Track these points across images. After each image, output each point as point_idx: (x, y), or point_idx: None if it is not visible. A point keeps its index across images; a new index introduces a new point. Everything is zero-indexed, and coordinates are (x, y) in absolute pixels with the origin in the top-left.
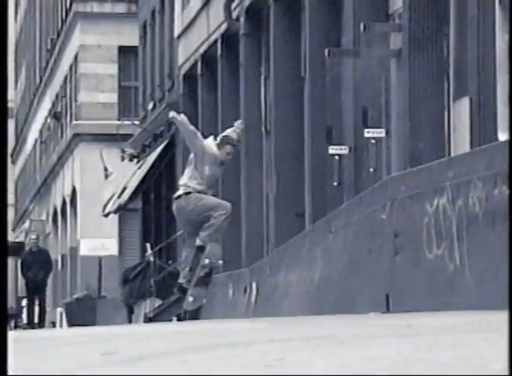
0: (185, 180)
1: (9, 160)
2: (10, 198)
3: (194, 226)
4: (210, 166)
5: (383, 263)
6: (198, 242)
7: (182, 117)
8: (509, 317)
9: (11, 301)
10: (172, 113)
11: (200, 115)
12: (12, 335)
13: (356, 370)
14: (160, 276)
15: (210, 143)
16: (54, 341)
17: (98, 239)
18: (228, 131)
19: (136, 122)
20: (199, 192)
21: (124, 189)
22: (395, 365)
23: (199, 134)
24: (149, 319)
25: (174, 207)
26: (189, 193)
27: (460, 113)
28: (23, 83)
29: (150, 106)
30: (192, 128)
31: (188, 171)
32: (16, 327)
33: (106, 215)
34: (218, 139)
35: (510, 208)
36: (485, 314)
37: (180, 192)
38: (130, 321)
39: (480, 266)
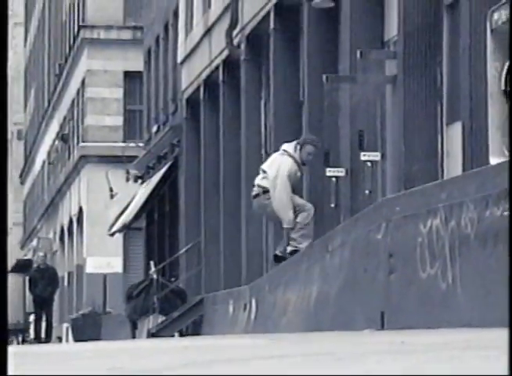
0: (258, 181)
1: (18, 180)
2: (19, 217)
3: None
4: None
5: (378, 282)
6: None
7: None
8: (509, 318)
9: (19, 317)
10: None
11: (203, 138)
12: (19, 350)
13: None
14: (163, 293)
15: (285, 165)
16: (61, 356)
17: (103, 257)
18: (307, 134)
19: (141, 144)
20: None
21: (129, 208)
22: None
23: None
24: (152, 335)
25: (254, 205)
26: (267, 191)
27: (453, 137)
28: (32, 106)
29: (154, 129)
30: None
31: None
32: (23, 341)
33: (112, 234)
34: (297, 142)
35: (511, 216)
36: (477, 332)
37: (256, 191)
38: (134, 336)
39: (472, 285)
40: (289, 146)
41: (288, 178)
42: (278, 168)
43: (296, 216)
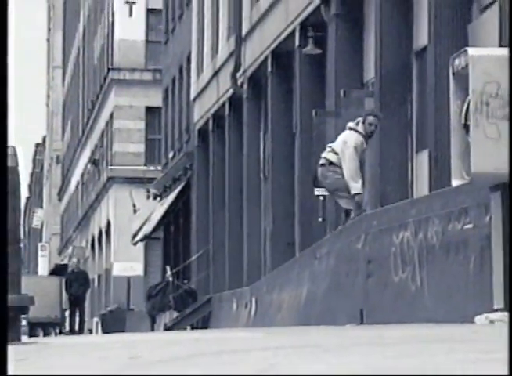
0: (325, 154)
1: (57, 197)
2: (57, 229)
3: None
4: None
5: (358, 284)
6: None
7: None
8: (509, 318)
9: (56, 312)
10: None
11: (211, 163)
12: (58, 340)
13: (335, 374)
14: (177, 293)
15: (351, 138)
16: (91, 346)
17: (127, 262)
18: (368, 108)
19: (159, 168)
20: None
21: (149, 222)
22: (368, 369)
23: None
24: (168, 328)
25: (318, 173)
26: (331, 164)
27: (421, 163)
28: (69, 135)
29: (171, 155)
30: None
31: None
32: (60, 333)
33: (135, 243)
34: (360, 118)
35: (510, 213)
36: (441, 327)
37: (323, 161)
38: (153, 329)
39: (437, 288)
40: (352, 123)
41: (355, 149)
42: (344, 142)
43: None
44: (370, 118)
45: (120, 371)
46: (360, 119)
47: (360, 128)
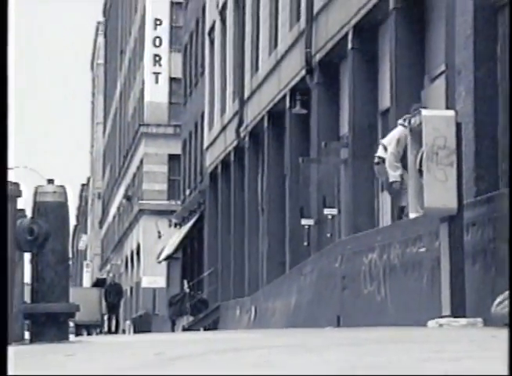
0: (378, 152)
1: (98, 226)
2: (98, 250)
3: None
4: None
5: (335, 295)
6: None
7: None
8: (509, 318)
9: (97, 316)
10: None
11: (220, 199)
12: (98, 339)
13: (318, 370)
14: (192, 302)
15: (397, 131)
16: (124, 344)
17: (153, 276)
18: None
19: (179, 202)
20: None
21: (171, 245)
22: (344, 367)
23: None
24: (185, 329)
25: (375, 171)
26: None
27: (385, 200)
28: (108, 177)
29: (188, 192)
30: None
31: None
32: (100, 332)
33: (159, 262)
34: (408, 115)
35: (511, 220)
36: (401, 330)
37: (377, 160)
38: (173, 330)
39: (397, 298)
40: (401, 120)
41: (398, 141)
42: (392, 137)
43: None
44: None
45: (147, 365)
46: (408, 116)
47: (407, 123)
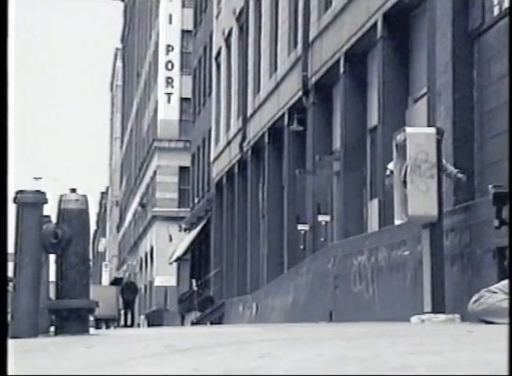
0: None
1: (116, 230)
2: (115, 251)
3: None
4: None
5: (328, 293)
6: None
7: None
8: (509, 318)
9: (114, 312)
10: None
11: (224, 206)
12: (115, 332)
13: (312, 361)
14: (200, 299)
15: None
16: (138, 337)
17: (165, 276)
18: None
19: (188, 209)
20: None
21: (180, 248)
22: (335, 359)
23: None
24: (193, 324)
25: (385, 183)
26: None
27: (373, 207)
28: (124, 186)
29: (196, 200)
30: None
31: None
32: (117, 326)
33: (171, 263)
34: None
35: (510, 223)
36: (387, 325)
37: (388, 172)
38: (182, 324)
39: (384, 296)
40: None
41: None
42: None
43: None
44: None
45: (158, 356)
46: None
47: None
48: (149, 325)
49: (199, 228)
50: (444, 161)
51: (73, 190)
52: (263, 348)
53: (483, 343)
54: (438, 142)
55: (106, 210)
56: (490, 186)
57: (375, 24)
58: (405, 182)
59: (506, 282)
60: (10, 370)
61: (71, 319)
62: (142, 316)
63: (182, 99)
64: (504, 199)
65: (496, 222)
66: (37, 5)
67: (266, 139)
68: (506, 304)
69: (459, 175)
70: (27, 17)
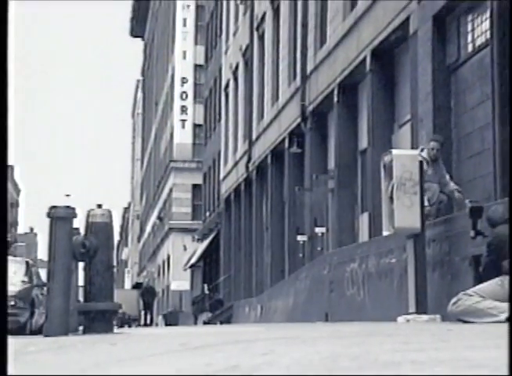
0: None
1: (136, 240)
2: (136, 259)
3: None
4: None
5: (324, 296)
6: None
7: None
8: (509, 319)
9: (135, 312)
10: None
11: (232, 220)
12: (136, 331)
13: (310, 358)
14: (211, 301)
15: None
16: (156, 335)
17: (180, 281)
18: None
19: (200, 222)
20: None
21: (194, 256)
22: (330, 356)
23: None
24: (205, 323)
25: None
26: None
27: (364, 220)
28: (144, 202)
29: (207, 214)
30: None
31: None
32: (138, 325)
33: (185, 269)
34: (423, 146)
35: (511, 225)
36: (376, 324)
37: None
38: (195, 324)
39: (373, 299)
40: (417, 150)
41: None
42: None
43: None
44: (432, 143)
45: (174, 352)
46: (423, 146)
47: (424, 153)
48: (166, 324)
49: (210, 238)
50: (447, 178)
51: (99, 206)
52: (267, 346)
53: (462, 341)
54: (421, 163)
55: (128, 223)
56: (467, 201)
57: (364, 59)
58: (391, 198)
59: (481, 286)
60: (10, 370)
61: (98, 319)
62: (160, 317)
63: (195, 125)
64: (479, 212)
65: (472, 233)
66: (63, 40)
67: (269, 160)
68: (481, 305)
69: (457, 195)
70: (45, 43)
